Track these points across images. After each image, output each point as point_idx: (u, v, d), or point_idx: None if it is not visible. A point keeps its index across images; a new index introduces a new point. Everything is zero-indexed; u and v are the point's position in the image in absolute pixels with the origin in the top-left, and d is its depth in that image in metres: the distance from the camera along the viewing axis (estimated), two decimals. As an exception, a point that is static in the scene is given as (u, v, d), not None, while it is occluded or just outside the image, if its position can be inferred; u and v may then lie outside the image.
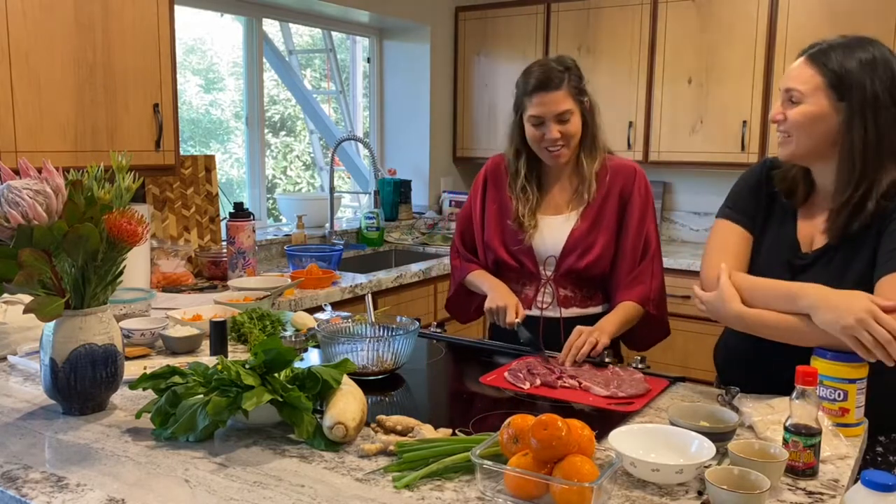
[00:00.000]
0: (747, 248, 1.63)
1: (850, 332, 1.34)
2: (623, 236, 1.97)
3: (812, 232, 1.57)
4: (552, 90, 1.89)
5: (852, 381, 1.34)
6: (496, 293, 1.96)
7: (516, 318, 1.87)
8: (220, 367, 1.32)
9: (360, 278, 2.99)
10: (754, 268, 1.60)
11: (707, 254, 1.65)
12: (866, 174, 1.46)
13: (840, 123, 1.47)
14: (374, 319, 1.81)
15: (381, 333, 1.75)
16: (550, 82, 1.89)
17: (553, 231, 2.00)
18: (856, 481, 1.03)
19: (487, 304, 1.94)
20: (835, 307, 1.37)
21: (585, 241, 1.97)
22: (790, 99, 1.51)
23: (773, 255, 1.60)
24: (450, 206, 4.43)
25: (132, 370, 1.60)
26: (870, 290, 1.41)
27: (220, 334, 1.77)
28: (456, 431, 1.31)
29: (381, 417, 1.35)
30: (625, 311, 1.91)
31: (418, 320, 1.77)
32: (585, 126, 1.97)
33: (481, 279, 2.06)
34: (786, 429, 1.20)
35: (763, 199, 1.64)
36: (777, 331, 1.47)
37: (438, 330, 2.08)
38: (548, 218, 2.02)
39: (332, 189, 3.80)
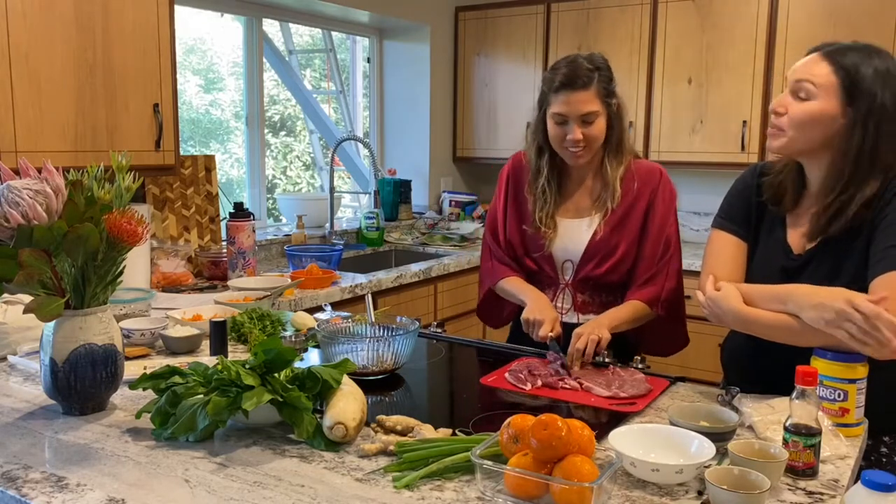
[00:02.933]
0: (743, 257, 1.64)
1: (835, 324, 1.34)
2: (644, 240, 1.93)
3: (802, 231, 1.58)
4: (579, 89, 1.83)
5: (852, 381, 1.34)
6: (535, 305, 1.88)
7: (550, 332, 1.79)
8: (220, 367, 1.32)
9: (360, 278, 2.99)
10: (749, 274, 1.61)
11: (704, 265, 1.65)
12: (853, 180, 1.46)
13: (842, 126, 1.46)
14: (374, 319, 1.81)
15: (381, 333, 1.75)
16: (578, 80, 1.83)
17: (573, 235, 1.96)
18: (856, 481, 1.03)
19: (525, 315, 1.86)
20: (817, 304, 1.38)
21: (606, 247, 1.92)
22: (799, 92, 1.48)
23: (767, 261, 1.60)
24: (450, 206, 4.43)
25: (132, 370, 1.60)
26: (864, 289, 1.41)
27: (220, 334, 1.77)
28: (456, 431, 1.31)
29: (381, 417, 1.35)
30: (628, 308, 1.88)
31: (418, 320, 1.77)
32: (611, 129, 1.91)
33: (519, 287, 1.98)
34: (786, 429, 1.20)
35: (754, 206, 1.65)
36: (775, 331, 1.47)
37: (438, 330, 2.07)
38: (567, 221, 1.98)
39: (332, 189, 3.80)
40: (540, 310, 1.85)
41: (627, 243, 1.92)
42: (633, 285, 1.93)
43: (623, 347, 1.90)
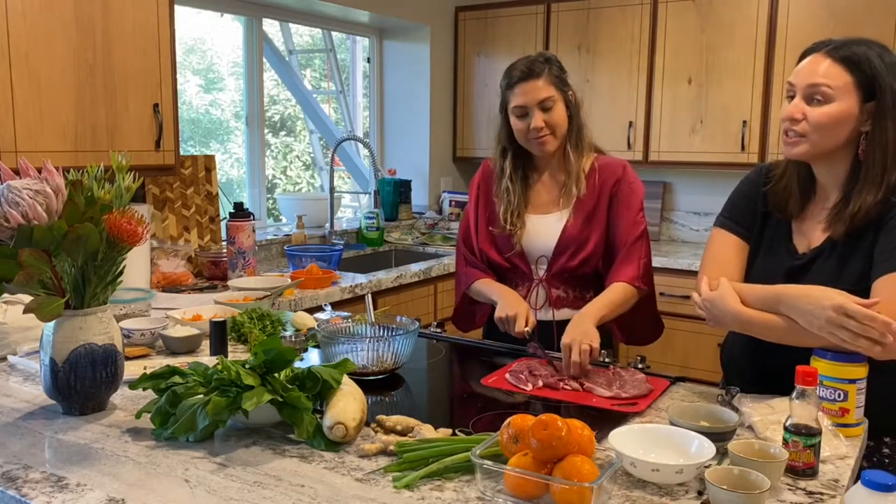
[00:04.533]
0: (743, 258, 1.63)
1: (826, 330, 1.34)
2: (614, 227, 1.97)
3: (808, 234, 1.57)
4: (533, 79, 1.92)
5: (852, 381, 1.34)
6: (506, 301, 1.91)
7: (526, 326, 1.82)
8: (220, 367, 1.32)
9: (360, 278, 2.99)
10: (752, 276, 1.60)
11: (703, 264, 1.65)
12: (888, 170, 1.45)
13: (863, 123, 1.46)
14: (374, 319, 1.81)
15: (381, 333, 1.75)
16: (531, 72, 1.92)
17: (543, 229, 2.00)
18: (856, 481, 1.03)
19: (498, 313, 1.88)
20: (808, 309, 1.37)
21: (578, 239, 1.97)
22: (815, 96, 1.46)
23: (770, 262, 1.59)
24: (450, 206, 4.43)
25: (132, 370, 1.60)
26: (868, 288, 1.41)
27: (220, 334, 1.77)
28: (456, 431, 1.31)
29: (381, 417, 1.35)
30: (611, 293, 1.88)
31: (418, 320, 1.77)
32: (570, 119, 1.97)
33: (489, 287, 2.01)
34: (786, 429, 1.20)
35: (759, 208, 1.64)
36: (774, 332, 1.46)
37: (438, 330, 2.08)
38: (536, 217, 2.02)
39: (332, 189, 3.80)
40: (511, 305, 1.88)
41: (598, 236, 1.98)
42: (612, 267, 1.96)
43: (607, 339, 1.92)
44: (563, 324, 1.95)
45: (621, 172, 2.00)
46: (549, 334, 1.97)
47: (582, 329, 1.72)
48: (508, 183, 2.02)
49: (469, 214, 2.14)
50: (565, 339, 1.71)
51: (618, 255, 1.96)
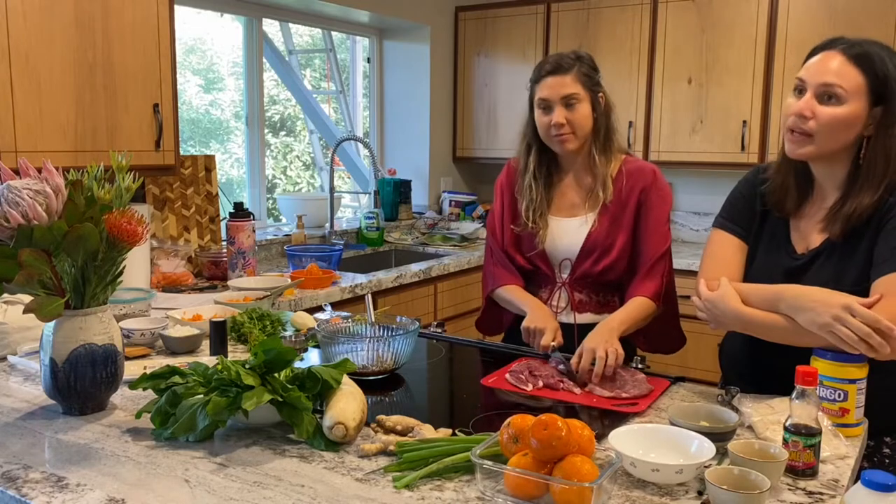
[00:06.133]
0: (742, 258, 1.63)
1: (829, 328, 1.34)
2: (641, 235, 1.93)
3: (806, 234, 1.57)
4: (560, 74, 1.90)
5: (852, 381, 1.34)
6: (536, 314, 1.87)
7: (552, 342, 1.79)
8: (220, 367, 1.32)
9: (360, 278, 2.99)
10: (750, 276, 1.60)
11: (702, 264, 1.65)
12: (890, 177, 1.45)
13: (867, 128, 1.45)
14: (374, 319, 1.81)
15: (381, 333, 1.75)
16: (560, 67, 1.90)
17: (568, 233, 1.97)
18: (856, 481, 1.03)
19: (525, 324, 1.85)
20: (811, 307, 1.37)
21: (603, 244, 1.93)
22: (826, 95, 1.44)
23: (769, 262, 1.59)
24: (450, 206, 4.43)
25: (132, 370, 1.60)
26: (867, 289, 1.41)
27: (220, 334, 1.78)
28: (456, 431, 1.31)
29: (381, 417, 1.35)
30: (634, 306, 1.86)
31: (418, 320, 1.77)
32: (597, 121, 1.94)
33: (518, 296, 1.97)
34: (786, 429, 1.20)
35: (757, 208, 1.64)
36: (775, 331, 1.46)
37: (438, 330, 2.07)
38: (561, 220, 1.98)
39: (332, 189, 3.80)
40: (541, 319, 1.85)
41: (623, 241, 1.93)
42: (634, 280, 1.92)
43: (626, 347, 1.90)
44: (583, 328, 1.92)
45: (651, 178, 1.95)
46: (569, 338, 1.92)
47: (605, 338, 1.71)
48: (532, 180, 1.98)
49: (494, 216, 2.10)
50: (589, 344, 1.69)
51: (641, 267, 1.92)
